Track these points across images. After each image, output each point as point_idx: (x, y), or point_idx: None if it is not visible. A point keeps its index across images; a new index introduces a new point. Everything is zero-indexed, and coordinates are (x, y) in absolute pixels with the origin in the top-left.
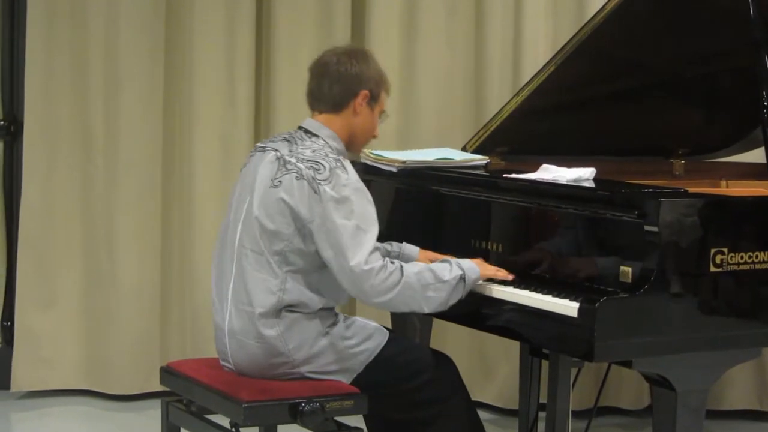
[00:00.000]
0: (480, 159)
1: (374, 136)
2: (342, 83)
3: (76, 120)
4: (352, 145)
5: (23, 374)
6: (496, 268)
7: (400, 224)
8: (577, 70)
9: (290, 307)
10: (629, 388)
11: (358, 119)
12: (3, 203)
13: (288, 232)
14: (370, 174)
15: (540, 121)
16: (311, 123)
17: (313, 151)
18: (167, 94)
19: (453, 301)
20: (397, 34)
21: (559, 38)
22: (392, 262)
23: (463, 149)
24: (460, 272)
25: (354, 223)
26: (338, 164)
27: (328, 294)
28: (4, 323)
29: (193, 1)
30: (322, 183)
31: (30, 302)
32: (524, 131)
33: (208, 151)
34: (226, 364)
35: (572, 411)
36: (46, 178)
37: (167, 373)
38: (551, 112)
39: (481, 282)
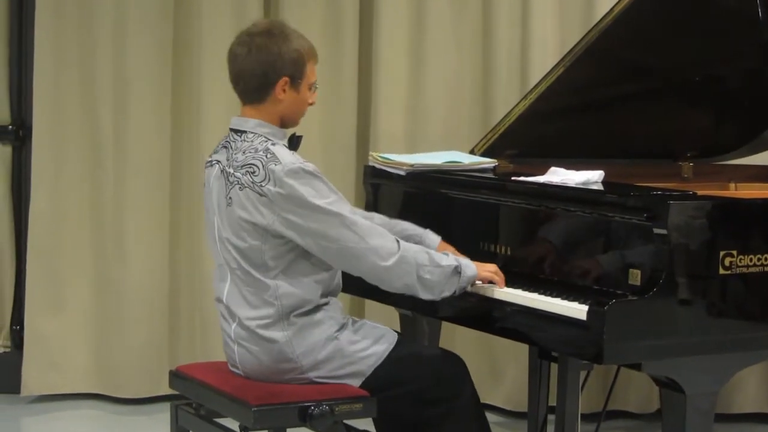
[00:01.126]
0: (488, 162)
1: (310, 104)
2: (258, 74)
3: (85, 124)
4: (286, 124)
5: (33, 378)
6: (495, 268)
7: None
8: (585, 72)
9: (295, 311)
10: (638, 392)
11: (282, 106)
12: (12, 208)
13: (258, 243)
14: (378, 177)
15: (548, 123)
16: (236, 121)
17: (244, 152)
18: (176, 98)
19: (447, 292)
20: (405, 36)
21: (567, 41)
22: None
23: (471, 152)
24: (456, 263)
25: (318, 202)
26: (268, 156)
27: (322, 276)
28: (14, 328)
29: (200, 4)
30: (263, 184)
31: (39, 307)
32: (532, 134)
33: None
34: (235, 369)
35: (581, 414)
36: (54, 183)
37: (176, 376)
38: (559, 115)
39: (483, 285)
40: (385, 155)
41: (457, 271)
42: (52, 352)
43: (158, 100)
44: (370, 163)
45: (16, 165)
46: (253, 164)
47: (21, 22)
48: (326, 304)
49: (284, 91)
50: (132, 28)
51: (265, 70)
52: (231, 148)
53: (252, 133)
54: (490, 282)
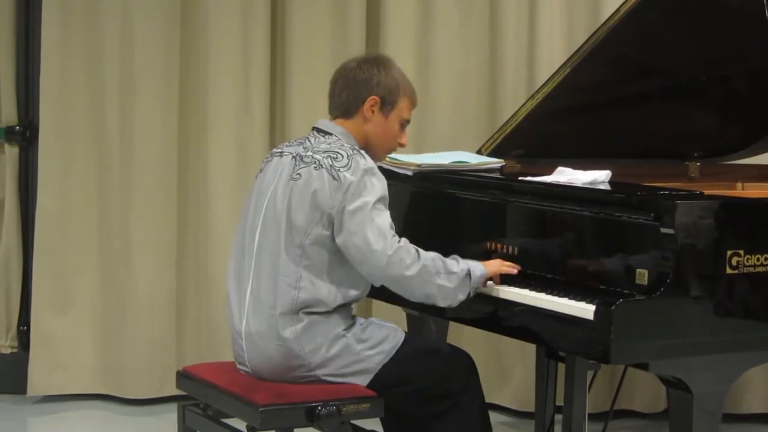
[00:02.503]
0: (495, 162)
1: (401, 144)
2: (351, 89)
3: (92, 125)
4: (370, 152)
5: (39, 379)
6: (500, 261)
7: (416, 228)
8: (592, 72)
9: (307, 308)
10: (645, 391)
11: (369, 126)
12: (19, 208)
13: (310, 223)
14: (385, 178)
15: (555, 123)
16: (325, 123)
17: (329, 144)
18: (182, 99)
19: (461, 296)
20: (412, 37)
21: (574, 41)
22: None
23: (479, 152)
24: (467, 267)
25: (374, 203)
26: (356, 151)
27: (346, 287)
28: (20, 328)
29: (207, 4)
30: (342, 170)
31: (46, 307)
32: (539, 134)
33: (223, 157)
34: (243, 368)
35: (588, 414)
36: (61, 183)
37: (183, 377)
38: (566, 115)
39: (493, 285)
40: (392, 155)
41: (468, 274)
42: (59, 353)
43: (165, 100)
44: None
45: (23, 165)
46: (339, 152)
47: (28, 22)
48: (339, 307)
49: (372, 111)
50: (139, 28)
51: (358, 86)
52: (311, 142)
53: (337, 136)
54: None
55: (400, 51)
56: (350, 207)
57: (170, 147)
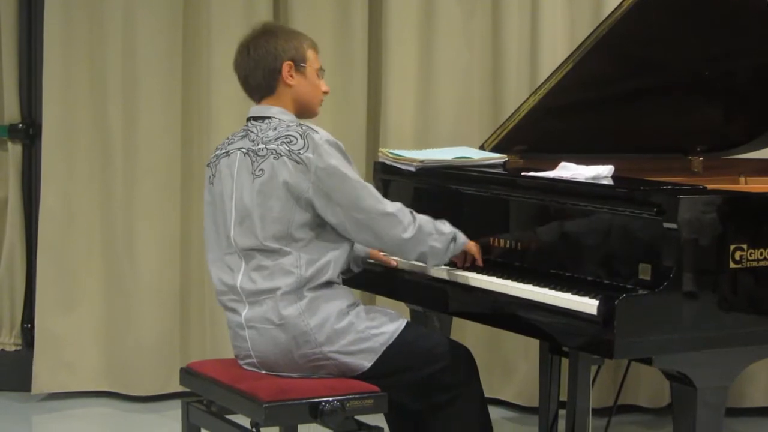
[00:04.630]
0: (498, 157)
1: (325, 93)
2: (261, 67)
3: (95, 122)
4: (305, 113)
5: (44, 377)
6: (478, 247)
7: None
8: (595, 68)
9: (310, 285)
10: (649, 386)
11: (294, 90)
12: (22, 206)
13: (290, 210)
14: (388, 173)
15: (558, 119)
16: (256, 109)
17: (275, 129)
18: (185, 96)
19: (446, 258)
20: (415, 33)
21: (577, 36)
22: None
23: (481, 148)
24: (454, 231)
25: (352, 175)
26: (305, 128)
27: (343, 255)
28: (24, 326)
29: (210, 3)
30: (302, 152)
31: (50, 305)
32: (542, 129)
33: None
34: (247, 359)
35: (592, 409)
36: (64, 181)
37: (187, 374)
38: (569, 110)
39: (494, 280)
40: (395, 151)
41: (454, 237)
42: (63, 351)
43: (168, 99)
44: (380, 160)
45: (26, 163)
46: (290, 135)
47: (30, 20)
48: (337, 283)
49: (291, 75)
50: (141, 27)
51: (268, 61)
52: (254, 132)
53: (277, 118)
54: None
55: (402, 48)
56: (329, 183)
57: (173, 144)
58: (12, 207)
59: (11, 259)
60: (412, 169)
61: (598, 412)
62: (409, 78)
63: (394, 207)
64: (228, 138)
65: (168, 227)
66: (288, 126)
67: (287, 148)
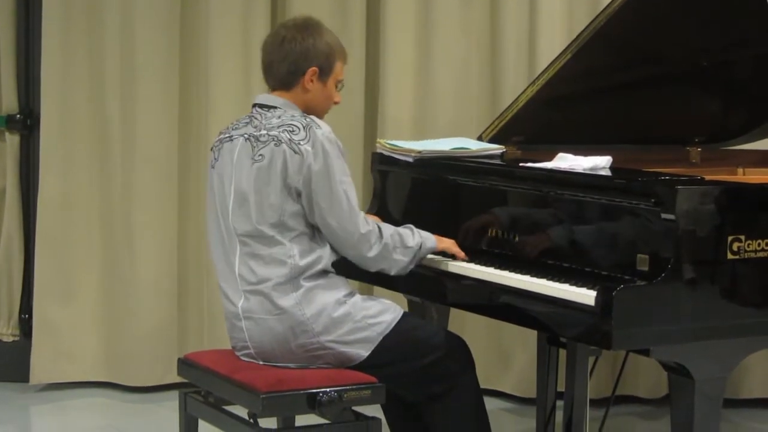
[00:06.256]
0: (496, 148)
1: (335, 103)
2: (289, 62)
3: (93, 113)
4: (310, 114)
5: (42, 367)
6: (452, 241)
7: (416, 214)
8: (593, 58)
9: (306, 274)
10: (647, 377)
11: (308, 95)
12: (20, 196)
13: (285, 199)
14: (385, 164)
15: (556, 109)
16: (266, 97)
17: (279, 117)
18: (183, 87)
19: (411, 266)
20: (413, 24)
21: (575, 27)
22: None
23: (479, 139)
24: (420, 241)
25: (339, 179)
26: (309, 120)
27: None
28: (22, 316)
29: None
30: (302, 143)
31: (48, 295)
32: (540, 120)
33: None
34: (244, 350)
35: (590, 400)
36: (63, 171)
37: (185, 364)
38: (567, 101)
39: (492, 271)
40: (393, 142)
41: (420, 246)
42: (61, 341)
43: (166, 89)
44: (378, 150)
45: (24, 154)
46: (294, 125)
47: (28, 10)
48: (332, 272)
49: (312, 81)
50: (140, 17)
51: (297, 59)
52: (258, 119)
53: (282, 109)
54: (444, 254)
55: (400, 38)
56: (317, 182)
57: (171, 135)
58: (10, 197)
59: (9, 249)
60: (410, 159)
61: (595, 403)
62: (407, 68)
63: (366, 228)
64: (232, 123)
65: (166, 218)
66: (293, 116)
67: (288, 137)
